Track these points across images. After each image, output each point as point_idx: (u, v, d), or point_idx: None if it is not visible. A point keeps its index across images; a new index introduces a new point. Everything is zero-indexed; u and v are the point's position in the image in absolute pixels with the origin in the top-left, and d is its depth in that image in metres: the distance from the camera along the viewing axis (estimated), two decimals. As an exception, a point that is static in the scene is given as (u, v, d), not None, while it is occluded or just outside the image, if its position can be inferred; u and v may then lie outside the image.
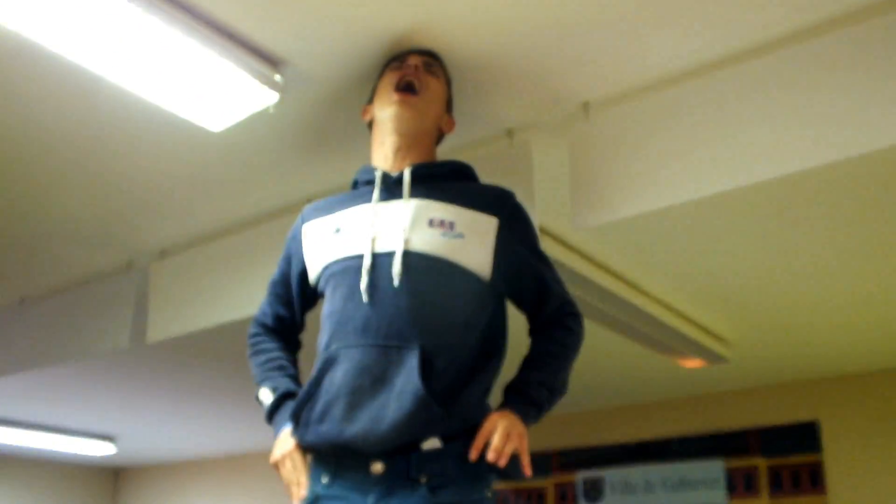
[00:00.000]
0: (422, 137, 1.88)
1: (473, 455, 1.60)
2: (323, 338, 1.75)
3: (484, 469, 1.62)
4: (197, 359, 4.25)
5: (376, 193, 1.79)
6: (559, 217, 2.19)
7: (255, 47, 1.99)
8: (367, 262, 1.70)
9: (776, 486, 4.53)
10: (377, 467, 1.61)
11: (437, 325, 1.66)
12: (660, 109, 2.14)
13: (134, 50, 1.89)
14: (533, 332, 1.84)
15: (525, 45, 2.02)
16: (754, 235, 2.88)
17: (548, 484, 5.23)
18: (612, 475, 5.03)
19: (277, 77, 2.04)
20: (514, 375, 1.74)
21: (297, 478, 1.69)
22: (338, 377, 1.65)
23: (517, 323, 1.85)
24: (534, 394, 1.70)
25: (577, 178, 2.21)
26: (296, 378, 1.88)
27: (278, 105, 2.10)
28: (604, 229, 2.70)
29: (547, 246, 2.15)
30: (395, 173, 1.80)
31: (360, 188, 1.87)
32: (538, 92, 2.19)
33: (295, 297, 1.93)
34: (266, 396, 1.83)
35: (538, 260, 1.83)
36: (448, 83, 2.01)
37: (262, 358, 1.91)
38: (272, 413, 1.81)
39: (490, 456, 1.58)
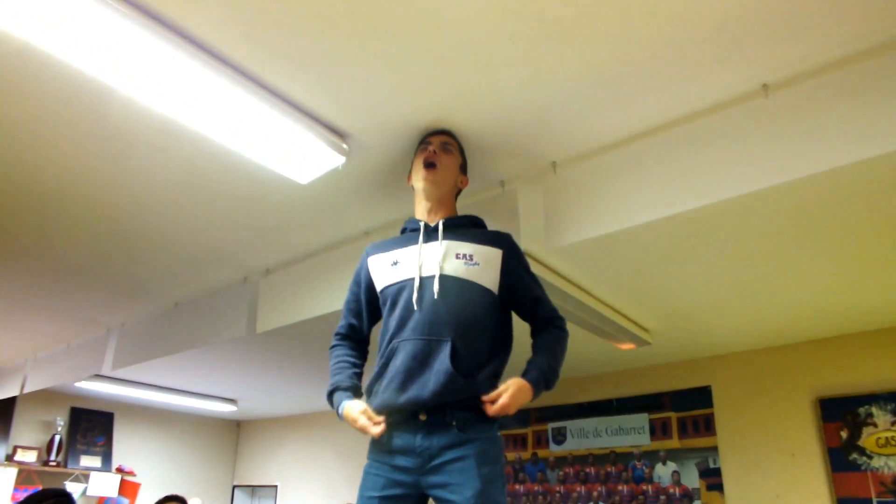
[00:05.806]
0: (444, 198, 1.86)
1: (486, 405, 1.59)
2: (386, 335, 1.71)
3: (489, 418, 1.60)
4: (292, 343, 4.18)
5: (421, 237, 1.77)
6: (536, 242, 2.16)
7: (329, 125, 1.97)
8: (416, 283, 1.69)
9: (683, 431, 4.43)
10: (422, 416, 1.59)
11: (462, 324, 1.63)
12: (604, 167, 2.10)
13: (249, 127, 1.87)
14: (534, 333, 1.79)
15: (511, 124, 1.99)
16: (669, 256, 2.82)
17: (528, 431, 5.14)
18: (572, 425, 4.94)
19: (345, 145, 2.01)
20: (532, 356, 1.72)
21: (373, 421, 1.63)
22: (398, 361, 1.63)
23: (521, 332, 1.80)
24: (545, 372, 1.68)
25: (548, 216, 2.17)
26: (354, 372, 1.82)
27: (346, 165, 2.07)
28: (566, 250, 2.67)
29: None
30: (432, 224, 1.79)
31: (408, 234, 1.84)
32: (521, 155, 2.16)
33: (364, 310, 1.87)
34: (329, 389, 1.80)
35: (531, 278, 1.80)
36: (461, 152, 1.97)
37: (333, 360, 1.85)
38: (329, 397, 1.78)
39: (491, 411, 1.59)
